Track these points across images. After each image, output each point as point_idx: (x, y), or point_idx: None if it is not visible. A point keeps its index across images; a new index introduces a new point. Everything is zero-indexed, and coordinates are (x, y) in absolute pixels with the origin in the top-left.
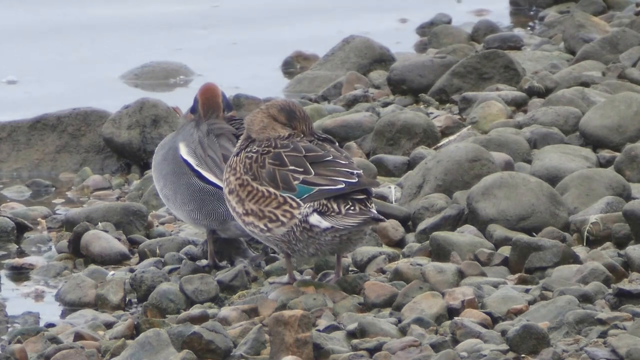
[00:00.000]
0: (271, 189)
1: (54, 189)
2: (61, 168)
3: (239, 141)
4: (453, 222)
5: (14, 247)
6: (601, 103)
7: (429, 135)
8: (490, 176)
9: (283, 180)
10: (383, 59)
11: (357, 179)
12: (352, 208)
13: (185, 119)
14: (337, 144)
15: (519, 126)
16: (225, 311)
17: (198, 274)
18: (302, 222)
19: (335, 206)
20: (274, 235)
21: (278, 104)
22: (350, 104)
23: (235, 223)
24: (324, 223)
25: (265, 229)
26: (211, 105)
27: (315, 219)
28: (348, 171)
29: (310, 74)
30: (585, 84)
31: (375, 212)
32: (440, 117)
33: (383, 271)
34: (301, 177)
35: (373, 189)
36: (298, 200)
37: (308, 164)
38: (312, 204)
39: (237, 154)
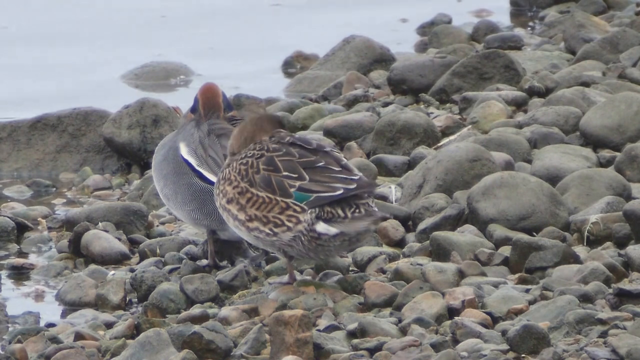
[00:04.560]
0: (271, 195)
1: (54, 189)
2: (61, 168)
3: (226, 160)
4: (453, 222)
5: (14, 247)
6: (601, 103)
7: (429, 135)
8: (491, 176)
9: (279, 187)
10: (383, 58)
11: (355, 184)
12: (357, 211)
13: (186, 118)
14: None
15: (519, 126)
16: (226, 311)
17: (198, 274)
18: (309, 232)
19: (340, 211)
20: (280, 240)
21: (263, 117)
22: (350, 103)
23: None
24: (333, 230)
25: (272, 233)
26: (211, 105)
27: (322, 227)
28: (343, 177)
29: (310, 74)
30: (586, 84)
31: (377, 209)
32: (440, 117)
33: (383, 271)
34: (297, 184)
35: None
36: (301, 204)
37: (301, 169)
38: (314, 210)
39: (229, 165)
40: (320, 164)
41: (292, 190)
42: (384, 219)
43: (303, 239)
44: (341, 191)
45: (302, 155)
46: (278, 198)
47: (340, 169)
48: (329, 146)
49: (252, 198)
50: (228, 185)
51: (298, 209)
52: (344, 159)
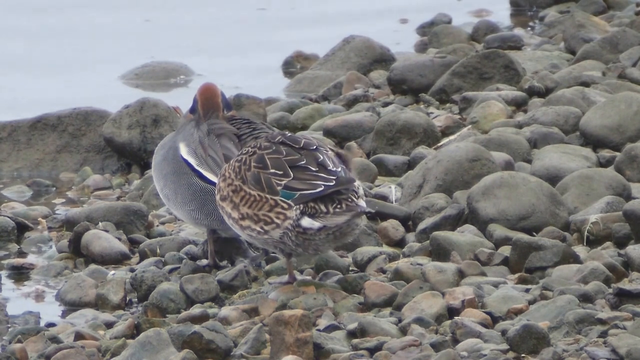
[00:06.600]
0: (261, 193)
1: (54, 188)
2: (61, 168)
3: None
4: (453, 222)
5: (14, 247)
6: (601, 103)
7: (429, 135)
8: (491, 176)
9: (267, 184)
10: (383, 58)
11: (333, 181)
12: (339, 206)
13: (185, 119)
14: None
15: (519, 126)
16: (226, 311)
17: (198, 274)
18: (295, 227)
19: (322, 207)
20: (271, 238)
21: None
22: (350, 103)
23: None
24: (316, 224)
25: (263, 231)
26: (210, 105)
27: (307, 221)
28: (322, 176)
29: (310, 74)
30: (586, 84)
31: (363, 204)
32: (440, 117)
33: (383, 271)
34: (283, 182)
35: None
36: (288, 201)
37: (288, 166)
38: (299, 206)
39: (228, 163)
40: (302, 162)
41: (278, 188)
42: (364, 213)
43: (290, 234)
44: (321, 188)
45: (288, 153)
46: (267, 196)
47: (317, 168)
48: (316, 143)
49: (245, 196)
50: (222, 182)
51: (285, 205)
52: (323, 155)
